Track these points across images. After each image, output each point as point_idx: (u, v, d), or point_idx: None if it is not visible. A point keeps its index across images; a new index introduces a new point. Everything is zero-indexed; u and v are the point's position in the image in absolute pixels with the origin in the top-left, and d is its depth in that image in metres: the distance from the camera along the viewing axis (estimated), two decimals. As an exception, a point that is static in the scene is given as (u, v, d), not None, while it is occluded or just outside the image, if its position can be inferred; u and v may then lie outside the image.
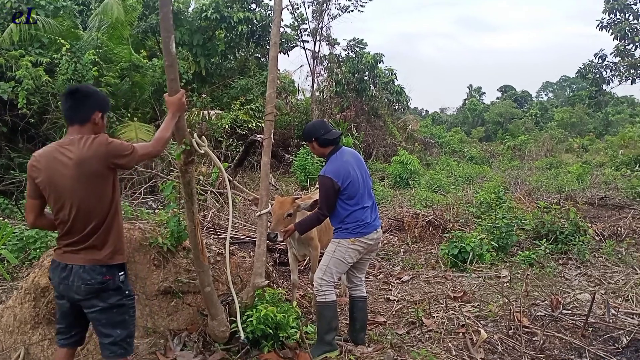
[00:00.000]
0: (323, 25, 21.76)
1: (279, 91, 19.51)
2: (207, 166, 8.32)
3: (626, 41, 21.50)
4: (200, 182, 8.15)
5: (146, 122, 12.57)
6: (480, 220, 8.42)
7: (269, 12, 18.70)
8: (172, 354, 3.90)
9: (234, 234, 6.55)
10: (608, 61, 22.63)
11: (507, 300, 5.05)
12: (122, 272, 2.91)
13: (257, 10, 18.70)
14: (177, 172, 3.58)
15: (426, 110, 75.31)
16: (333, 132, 4.19)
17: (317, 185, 4.19)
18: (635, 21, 21.28)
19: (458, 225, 8.34)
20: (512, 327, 4.50)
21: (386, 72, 22.72)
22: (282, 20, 20.16)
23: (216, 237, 5.83)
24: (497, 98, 68.65)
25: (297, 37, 21.95)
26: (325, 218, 4.18)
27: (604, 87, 23.71)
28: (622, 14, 21.38)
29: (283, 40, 20.13)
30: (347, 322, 4.50)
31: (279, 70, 21.78)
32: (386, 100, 23.01)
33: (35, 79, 10.37)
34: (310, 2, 21.54)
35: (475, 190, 11.66)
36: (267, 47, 18.92)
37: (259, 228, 4.14)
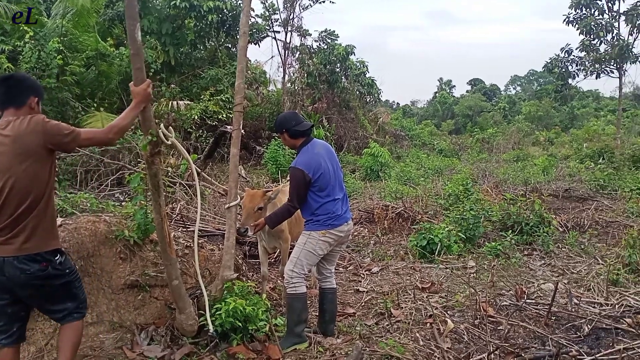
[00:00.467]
0: (294, 16, 21.63)
1: (250, 82, 19.32)
2: (176, 158, 8.18)
3: (591, 36, 22.08)
4: (169, 174, 8.03)
5: (113, 112, 12.31)
6: (448, 212, 8.55)
7: (239, 1, 18.46)
8: (139, 348, 3.84)
9: (203, 227, 6.48)
10: (574, 56, 23.25)
11: (473, 291, 5.14)
12: (58, 256, 2.88)
13: (227, -1, 18.45)
14: (144, 163, 3.51)
15: (397, 103, 75.82)
16: (304, 123, 4.18)
17: (288, 177, 4.17)
18: (601, 16, 21.86)
19: (427, 217, 8.45)
20: (478, 316, 4.59)
21: (358, 64, 22.76)
22: (253, 10, 19.98)
23: (185, 229, 5.76)
24: (467, 91, 69.54)
25: (268, 28, 21.76)
26: (296, 210, 4.18)
27: (570, 81, 24.34)
28: (587, 10, 21.93)
29: (254, 30, 19.93)
30: (317, 314, 4.52)
31: (250, 60, 21.59)
32: (358, 92, 23.07)
33: (-4, 66, 10.03)
34: (281, -8, 21.38)
35: (444, 183, 11.82)
36: (238, 37, 18.73)
37: (228, 220, 4.11)
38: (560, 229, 8.26)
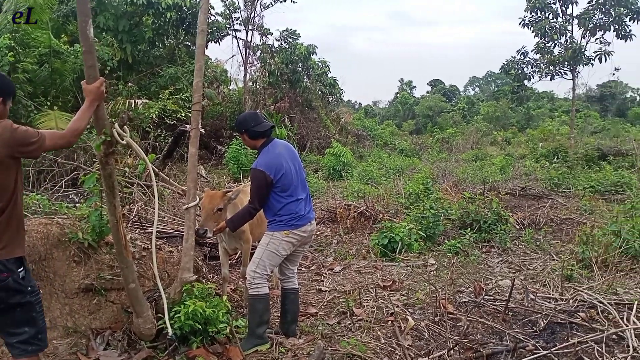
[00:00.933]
0: (255, 15, 21.47)
1: (210, 81, 19.08)
2: (134, 158, 7.98)
3: (546, 39, 22.78)
4: (127, 174, 7.83)
5: (67, 111, 11.88)
6: (409, 210, 8.64)
7: (199, -1, 18.22)
8: (95, 353, 3.73)
9: (161, 228, 6.35)
10: (529, 58, 23.91)
11: (433, 288, 5.22)
12: (22, 268, 2.72)
13: (186, -4, 18.13)
14: (99, 163, 3.40)
15: (359, 103, 76.33)
16: (264, 124, 4.13)
17: (250, 178, 4.13)
18: (555, 20, 22.58)
19: (388, 216, 8.52)
20: (438, 313, 4.66)
21: (320, 63, 22.79)
22: (213, 8, 19.72)
23: (142, 231, 5.63)
24: (427, 92, 70.69)
25: (228, 26, 21.51)
26: (257, 212, 4.13)
27: (526, 82, 25.03)
28: (542, 13, 22.60)
29: (214, 28, 19.66)
30: (279, 315, 4.49)
31: (211, 59, 21.33)
32: (320, 92, 23.10)
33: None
34: (243, -9, 21.19)
35: (405, 182, 11.96)
36: (198, 35, 18.44)
37: (186, 222, 4.02)
38: (517, 227, 8.48)
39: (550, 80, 23.64)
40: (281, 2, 21.32)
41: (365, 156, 21.49)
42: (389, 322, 4.54)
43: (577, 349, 3.88)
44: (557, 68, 23.05)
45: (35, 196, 5.78)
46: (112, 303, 4.05)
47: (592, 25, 21.79)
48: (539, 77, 23.93)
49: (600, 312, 4.64)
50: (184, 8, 17.64)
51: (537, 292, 5.37)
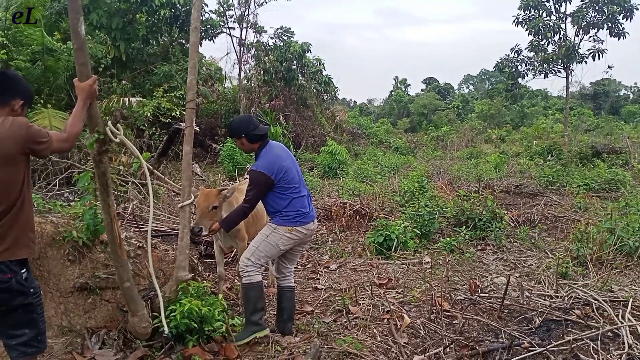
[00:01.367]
0: (249, 12, 21.43)
1: (205, 79, 19.03)
2: (128, 156, 7.95)
3: (539, 37, 22.80)
4: (121, 172, 7.80)
5: (61, 109, 11.85)
6: (404, 208, 8.65)
7: (193, -4, 18.14)
8: (90, 352, 3.71)
9: (157, 227, 6.32)
10: (523, 56, 23.92)
11: (429, 286, 5.22)
12: (24, 270, 2.70)
13: (181, -6, 18.06)
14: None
15: (354, 101, 76.38)
16: (262, 127, 4.14)
17: (245, 176, 4.12)
18: (548, 18, 22.62)
19: (383, 214, 8.53)
20: (434, 311, 4.66)
21: (314, 61, 22.75)
22: (207, 6, 19.69)
23: (137, 229, 5.60)
24: (422, 90, 70.77)
25: (222, 24, 21.45)
26: (251, 212, 4.14)
27: (520, 80, 25.06)
28: (536, 11, 22.63)
29: (208, 26, 19.60)
30: (275, 313, 4.48)
31: (205, 57, 21.27)
32: (315, 90, 23.06)
33: None
34: (237, -12, 21.13)
35: (400, 180, 11.98)
36: (193, 33, 18.38)
37: (181, 220, 4.00)
38: (512, 224, 8.51)
39: (544, 78, 23.70)
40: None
41: (360, 154, 21.50)
42: (385, 320, 4.54)
43: (572, 346, 3.89)
44: (550, 66, 23.09)
45: (28, 195, 5.73)
46: (107, 302, 4.03)
47: (585, 23, 21.84)
48: (533, 75, 23.98)
49: (595, 310, 4.66)
50: (178, 5, 17.57)
51: (532, 290, 5.39)
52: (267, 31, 22.14)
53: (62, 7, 15.65)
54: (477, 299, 5.01)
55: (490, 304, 4.91)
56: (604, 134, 28.24)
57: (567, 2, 22.24)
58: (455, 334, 4.25)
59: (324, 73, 23.27)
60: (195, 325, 3.74)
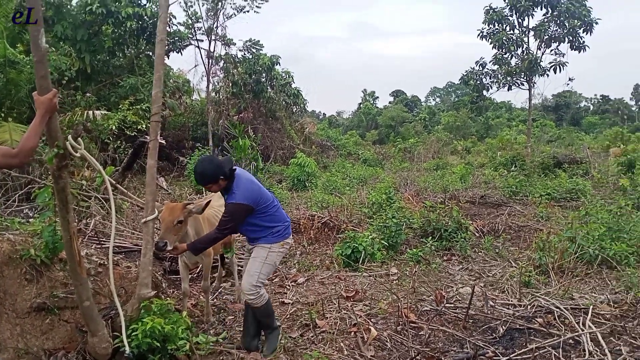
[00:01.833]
0: (218, 25, 21.34)
1: (172, 91, 18.85)
2: (91, 170, 7.77)
3: (503, 50, 23.44)
4: (84, 187, 7.61)
5: (22, 122, 11.50)
6: (372, 220, 8.70)
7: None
8: (48, 375, 3.58)
9: (120, 243, 6.19)
10: (487, 69, 24.53)
11: (396, 297, 5.25)
12: None
13: (147, 5, 17.87)
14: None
15: (323, 113, 76.82)
16: (228, 160, 4.16)
17: (227, 210, 4.09)
18: (512, 32, 23.28)
19: (352, 226, 8.55)
20: (400, 323, 4.68)
21: (283, 74, 22.81)
22: (175, 18, 19.55)
23: (100, 246, 5.47)
24: (390, 102, 71.70)
25: (191, 36, 21.30)
26: (223, 239, 4.20)
27: (484, 92, 25.64)
28: (500, 25, 23.28)
29: (176, 38, 19.46)
30: (241, 329, 4.42)
31: (173, 69, 21.06)
32: (284, 102, 23.10)
33: None
34: (205, 0, 21.02)
35: (368, 192, 12.05)
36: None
37: (144, 236, 3.93)
38: (477, 234, 8.65)
39: (508, 90, 24.32)
40: (244, 12, 21.28)
41: (329, 166, 21.57)
42: (352, 333, 4.54)
43: (535, 354, 3.96)
44: (514, 79, 23.72)
45: (-15, 212, 5.55)
46: (66, 322, 3.91)
47: (547, 37, 22.56)
48: (497, 87, 24.58)
49: (557, 317, 4.76)
50: (145, 17, 17.41)
51: (497, 299, 5.47)
52: (235, 43, 22.12)
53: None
54: (443, 309, 5.06)
55: (456, 314, 4.96)
56: (566, 145, 29.12)
57: (530, 17, 22.96)
58: (421, 345, 4.28)
59: (293, 85, 23.38)
60: (158, 344, 3.65)
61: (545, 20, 22.58)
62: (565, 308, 4.89)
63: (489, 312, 5.01)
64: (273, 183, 14.55)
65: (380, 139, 48.78)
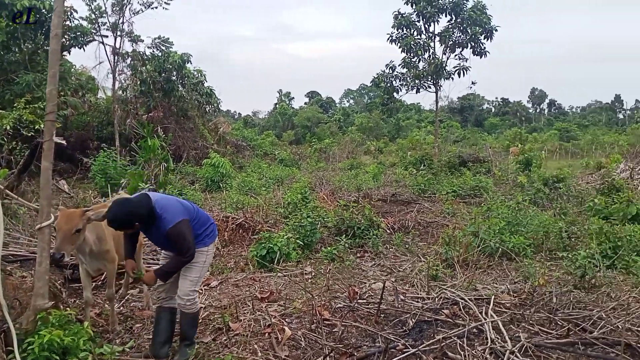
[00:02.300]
0: (124, 20, 20.38)
1: (75, 88, 17.79)
2: (-19, 173, 7.14)
3: (411, 54, 24.42)
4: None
5: None
6: (287, 220, 8.70)
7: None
8: None
9: (14, 251, 5.72)
10: (397, 72, 25.42)
11: (310, 296, 5.27)
12: None
13: (46, -2, 16.71)
14: None
15: (239, 113, 76.01)
16: (145, 200, 3.79)
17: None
18: (419, 37, 24.29)
19: (267, 227, 8.50)
20: (314, 321, 4.71)
21: (195, 72, 22.25)
22: (76, 12, 18.42)
23: (-10, 255, 5.00)
24: (305, 103, 72.41)
25: (94, 31, 20.17)
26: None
27: (395, 95, 26.56)
28: (408, 30, 24.21)
29: (78, 33, 18.35)
30: (151, 337, 4.23)
31: (75, 65, 19.88)
32: (196, 101, 22.51)
33: None
34: (110, -6, 20.02)
35: (284, 192, 12.05)
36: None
37: (39, 243, 3.65)
38: (388, 231, 8.92)
39: (416, 93, 25.38)
40: (152, 8, 20.51)
41: (244, 166, 21.33)
42: (266, 334, 4.50)
43: (442, 345, 4.13)
44: (422, 82, 24.80)
45: None
46: (-50, 340, 3.55)
47: (451, 42, 23.82)
48: (406, 90, 25.57)
49: (462, 308, 5.01)
50: (44, 11, 16.23)
51: (407, 293, 5.67)
52: (143, 40, 21.23)
53: None
54: (356, 305, 5.15)
55: (368, 310, 5.07)
56: (470, 145, 30.90)
57: (436, 23, 24.11)
58: (334, 342, 4.32)
59: (206, 84, 22.86)
60: (57, 358, 3.42)
61: (450, 26, 23.83)
62: (469, 299, 5.16)
63: (399, 306, 5.18)
64: (185, 184, 14.12)
65: (296, 139, 49.11)
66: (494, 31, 23.20)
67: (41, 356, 3.34)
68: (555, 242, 7.71)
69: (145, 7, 20.39)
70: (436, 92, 25.00)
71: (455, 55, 24.18)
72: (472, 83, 26.04)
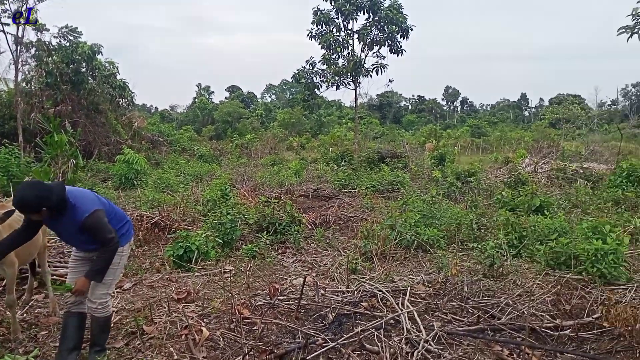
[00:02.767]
0: (28, 8, 18.95)
1: (-30, 80, 16.31)
2: None
3: (331, 51, 24.66)
4: None
5: None
6: (206, 218, 8.49)
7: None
8: None
9: None
10: (317, 68, 25.59)
11: (229, 295, 5.17)
12: None
13: None
14: None
15: (156, 107, 73.40)
16: (59, 187, 3.54)
17: (91, 224, 3.58)
18: (338, 34, 24.58)
19: (185, 225, 8.25)
20: (234, 320, 4.62)
21: (106, 64, 21.18)
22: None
23: None
24: (226, 98, 71.19)
25: (-6, 18, 18.63)
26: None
27: (316, 91, 26.73)
28: (327, 26, 24.42)
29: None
30: (57, 344, 3.95)
31: (-30, 54, 18.25)
32: (108, 95, 21.45)
33: None
34: (11, -20, 18.54)
35: (204, 189, 11.77)
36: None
37: None
38: (310, 226, 8.95)
39: (337, 89, 25.68)
40: (59, -6, 19.27)
41: (161, 163, 20.62)
42: (183, 336, 4.35)
43: (360, 337, 4.18)
44: (341, 78, 25.11)
45: None
46: None
47: (369, 40, 24.28)
48: (327, 86, 25.79)
49: (380, 300, 5.12)
50: None
51: (327, 287, 5.71)
52: (49, 29, 19.91)
53: None
54: (277, 302, 5.11)
55: (289, 306, 5.05)
56: (388, 141, 31.79)
57: (354, 20, 24.50)
58: (254, 340, 4.26)
59: (119, 77, 21.84)
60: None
61: (368, 24, 24.29)
62: (387, 291, 5.28)
63: (319, 300, 5.20)
64: (97, 182, 13.43)
65: (217, 135, 48.23)
66: (409, 30, 23.93)
67: None
68: (467, 234, 8.08)
69: (50, -6, 19.11)
70: (355, 89, 25.43)
71: (373, 53, 24.72)
72: (390, 81, 26.72)
